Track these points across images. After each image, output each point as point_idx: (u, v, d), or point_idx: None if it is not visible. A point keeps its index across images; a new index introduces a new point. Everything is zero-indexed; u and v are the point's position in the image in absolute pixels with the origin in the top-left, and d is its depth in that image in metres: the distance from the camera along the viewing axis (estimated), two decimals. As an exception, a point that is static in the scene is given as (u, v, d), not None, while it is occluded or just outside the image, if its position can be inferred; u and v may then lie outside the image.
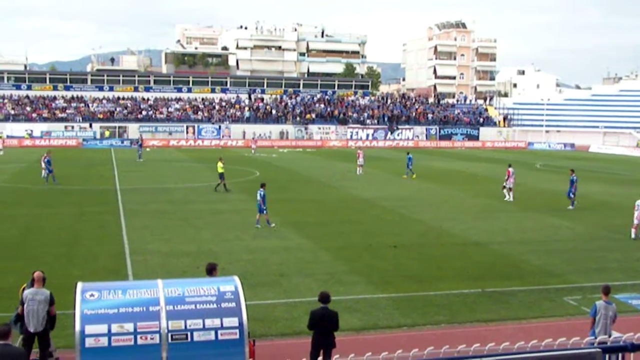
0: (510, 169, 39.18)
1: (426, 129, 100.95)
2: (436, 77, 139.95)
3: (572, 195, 36.25)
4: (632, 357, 7.69)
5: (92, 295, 10.57)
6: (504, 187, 39.43)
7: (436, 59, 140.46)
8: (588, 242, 27.35)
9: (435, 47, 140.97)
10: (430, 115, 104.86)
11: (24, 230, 27.73)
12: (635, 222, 27.92)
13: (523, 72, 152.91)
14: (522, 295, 19.29)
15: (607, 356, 6.95)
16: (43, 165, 44.05)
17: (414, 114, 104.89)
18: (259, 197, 28.98)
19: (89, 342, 10.04)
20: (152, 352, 10.19)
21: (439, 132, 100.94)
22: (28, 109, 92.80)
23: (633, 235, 27.89)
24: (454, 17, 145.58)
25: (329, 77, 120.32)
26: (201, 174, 51.29)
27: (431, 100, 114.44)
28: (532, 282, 20.59)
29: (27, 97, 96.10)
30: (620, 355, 7.60)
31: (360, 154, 54.00)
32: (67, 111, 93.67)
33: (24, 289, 13.73)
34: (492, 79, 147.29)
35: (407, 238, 27.12)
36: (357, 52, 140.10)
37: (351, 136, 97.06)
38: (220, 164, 40.72)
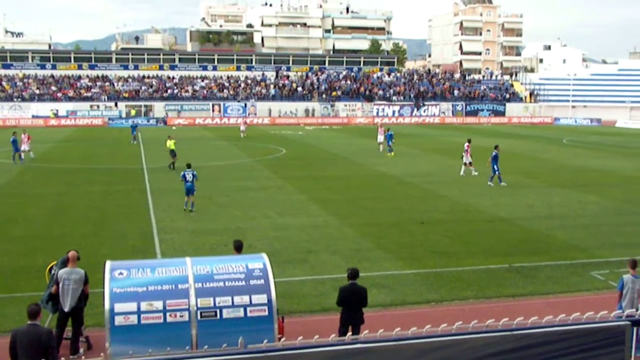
0: (467, 144, 38.88)
1: (452, 105, 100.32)
2: (462, 53, 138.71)
3: (497, 172, 35.19)
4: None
5: (121, 273, 10.67)
6: (465, 163, 38.70)
7: (462, 34, 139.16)
8: (615, 217, 27.09)
9: (461, 23, 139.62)
10: (456, 92, 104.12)
11: (52, 210, 27.98)
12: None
13: (549, 47, 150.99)
14: (549, 270, 19.22)
15: (634, 329, 6.92)
16: (26, 147, 45.24)
17: (440, 90, 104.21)
18: (189, 179, 27.04)
19: (119, 320, 10.15)
20: (182, 329, 10.28)
21: (465, 108, 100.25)
22: (53, 88, 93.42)
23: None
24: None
25: (354, 54, 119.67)
26: (227, 151, 51.41)
27: (457, 76, 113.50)
28: (559, 257, 20.48)
29: (52, 76, 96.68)
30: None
31: (381, 130, 52.90)
32: (92, 90, 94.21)
33: (51, 268, 13.85)
34: (518, 54, 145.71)
35: (434, 214, 27.05)
36: (383, 29, 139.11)
37: (377, 113, 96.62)
38: (170, 142, 41.02)
